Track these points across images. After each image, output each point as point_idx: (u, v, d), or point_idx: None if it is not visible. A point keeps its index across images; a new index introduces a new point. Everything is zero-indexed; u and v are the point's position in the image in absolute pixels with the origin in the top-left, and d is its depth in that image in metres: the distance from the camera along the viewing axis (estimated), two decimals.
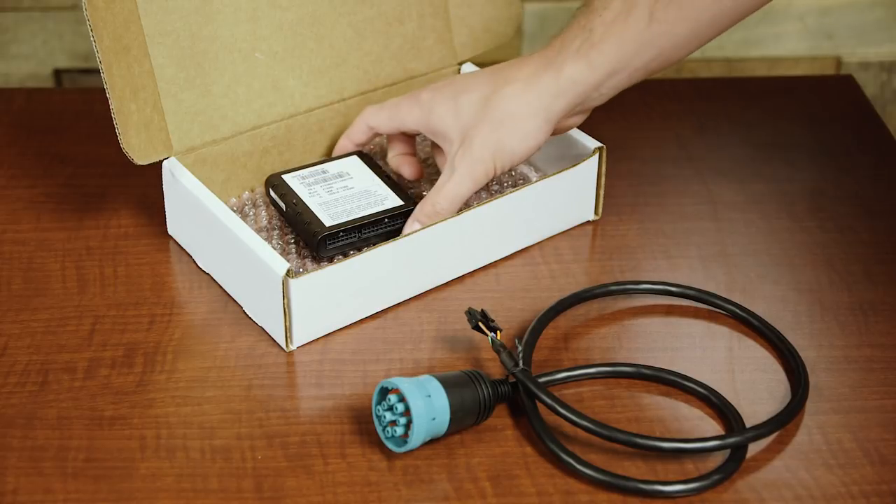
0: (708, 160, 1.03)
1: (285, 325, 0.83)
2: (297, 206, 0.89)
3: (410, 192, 0.94)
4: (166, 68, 0.88)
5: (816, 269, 0.92)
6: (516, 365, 0.79)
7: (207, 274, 0.90)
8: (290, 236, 0.90)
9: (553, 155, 0.96)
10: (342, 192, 0.90)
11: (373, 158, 0.95)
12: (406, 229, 0.88)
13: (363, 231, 0.88)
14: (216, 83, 0.90)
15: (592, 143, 0.94)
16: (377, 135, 0.94)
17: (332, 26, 0.95)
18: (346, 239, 0.88)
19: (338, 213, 0.88)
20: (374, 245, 0.85)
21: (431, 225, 0.86)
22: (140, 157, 0.88)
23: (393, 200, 0.90)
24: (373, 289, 0.86)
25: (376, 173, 0.93)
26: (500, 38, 1.03)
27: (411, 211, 0.89)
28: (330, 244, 0.87)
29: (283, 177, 0.92)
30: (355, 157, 0.94)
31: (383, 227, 0.89)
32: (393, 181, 0.92)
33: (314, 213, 0.88)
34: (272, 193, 0.91)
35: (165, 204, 0.93)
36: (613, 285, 0.88)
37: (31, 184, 0.99)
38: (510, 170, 0.91)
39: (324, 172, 0.92)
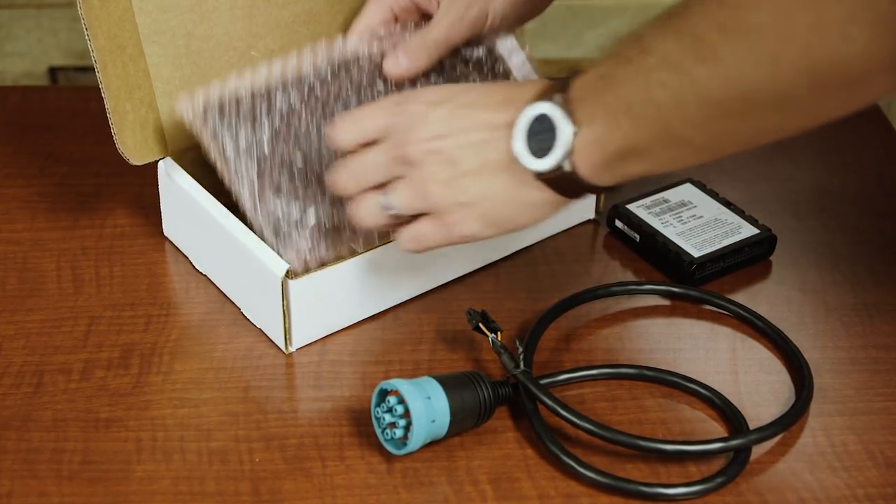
0: None
1: (284, 327, 0.82)
2: (657, 236, 0.90)
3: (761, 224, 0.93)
4: (162, 67, 0.87)
5: (821, 270, 0.91)
6: (517, 366, 0.78)
7: (204, 275, 0.90)
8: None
9: None
10: (693, 221, 0.90)
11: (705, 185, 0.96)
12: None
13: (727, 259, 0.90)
14: (212, 82, 0.90)
15: None
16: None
17: (328, 24, 0.95)
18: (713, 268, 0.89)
19: (700, 244, 0.88)
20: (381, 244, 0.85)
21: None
22: (136, 157, 0.87)
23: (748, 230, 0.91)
24: (372, 289, 0.85)
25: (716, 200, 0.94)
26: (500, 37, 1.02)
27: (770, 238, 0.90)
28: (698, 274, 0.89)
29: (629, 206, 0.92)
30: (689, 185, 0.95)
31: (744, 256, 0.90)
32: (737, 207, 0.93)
33: (676, 243, 0.89)
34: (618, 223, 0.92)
35: (161, 204, 0.92)
36: (615, 285, 0.88)
37: (25, 183, 0.98)
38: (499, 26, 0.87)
39: (666, 202, 0.92)
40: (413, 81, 0.87)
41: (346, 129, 0.79)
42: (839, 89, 0.63)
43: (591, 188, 0.73)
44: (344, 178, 0.79)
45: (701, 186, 0.96)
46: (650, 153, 0.70)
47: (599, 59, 0.71)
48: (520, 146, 0.72)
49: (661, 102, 0.67)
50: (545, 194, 0.73)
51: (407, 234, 0.77)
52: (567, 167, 0.71)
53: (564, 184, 0.72)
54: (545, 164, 0.71)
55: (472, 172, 0.74)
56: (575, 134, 0.70)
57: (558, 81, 0.73)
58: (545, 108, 0.71)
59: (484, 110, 0.74)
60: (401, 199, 0.76)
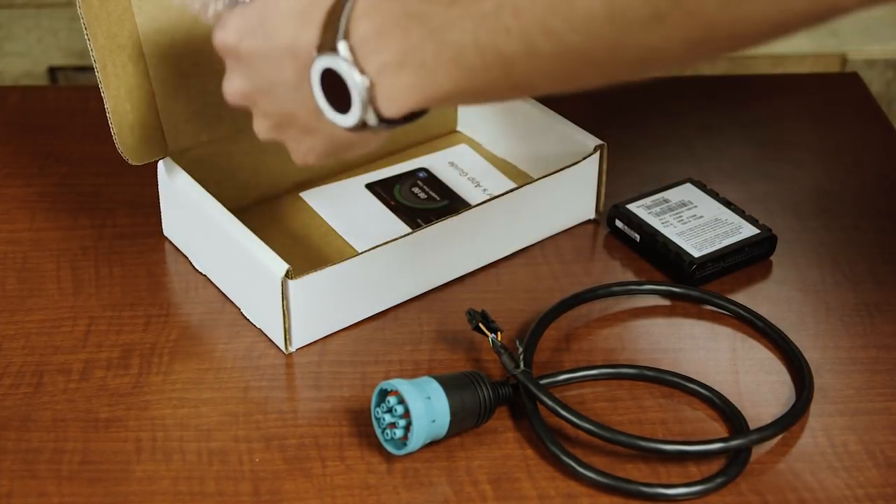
0: (711, 159, 1.02)
1: (284, 327, 0.82)
2: (657, 236, 0.89)
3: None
4: (161, 67, 0.87)
5: (821, 270, 0.91)
6: (517, 366, 0.78)
7: (204, 275, 0.90)
8: None
9: (554, 153, 0.95)
10: (693, 221, 0.90)
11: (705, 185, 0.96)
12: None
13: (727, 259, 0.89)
14: (212, 82, 0.90)
15: (593, 141, 0.93)
16: None
17: None
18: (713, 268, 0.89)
19: (701, 244, 0.88)
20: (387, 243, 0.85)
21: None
22: (135, 157, 0.87)
23: (748, 230, 0.91)
24: (372, 289, 0.85)
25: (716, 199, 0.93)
26: None
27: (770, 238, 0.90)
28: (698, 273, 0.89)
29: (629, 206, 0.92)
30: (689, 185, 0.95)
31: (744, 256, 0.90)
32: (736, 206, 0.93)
33: (676, 243, 0.89)
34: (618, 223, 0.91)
35: (161, 204, 0.92)
36: (615, 285, 0.88)
37: (25, 183, 0.98)
38: None
39: (666, 202, 0.91)
40: None
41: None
42: (723, 44, 0.58)
43: (404, 122, 0.68)
44: None
45: (701, 186, 0.96)
46: (481, 94, 0.65)
47: None
48: (323, 104, 0.68)
49: (505, 52, 0.61)
50: (363, 133, 0.69)
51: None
52: (371, 120, 0.67)
53: (373, 127, 0.68)
54: (347, 120, 0.67)
55: (288, 121, 0.72)
56: (369, 87, 0.65)
57: (337, 10, 0.65)
58: (330, 61, 0.65)
59: (280, 50, 0.69)
60: (257, 132, 0.75)
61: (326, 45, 0.66)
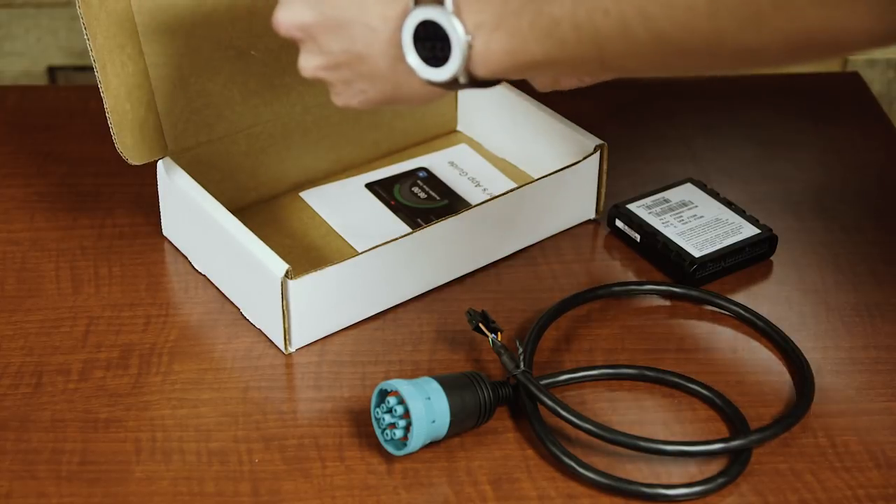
0: (712, 159, 1.02)
1: (284, 327, 0.82)
2: (657, 236, 0.89)
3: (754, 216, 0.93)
4: (161, 67, 0.87)
5: (822, 270, 0.91)
6: (517, 366, 0.78)
7: (203, 275, 0.90)
8: None
9: (554, 153, 0.95)
10: (693, 221, 0.90)
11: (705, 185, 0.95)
12: None
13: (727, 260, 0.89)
14: (212, 81, 0.90)
15: (594, 141, 0.93)
16: None
17: None
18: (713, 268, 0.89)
19: (701, 244, 0.88)
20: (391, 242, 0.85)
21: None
22: (135, 157, 0.87)
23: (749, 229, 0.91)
24: (372, 289, 0.85)
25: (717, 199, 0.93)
26: None
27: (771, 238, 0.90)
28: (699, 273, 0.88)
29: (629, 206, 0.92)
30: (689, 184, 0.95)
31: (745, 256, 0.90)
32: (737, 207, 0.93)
33: (677, 243, 0.89)
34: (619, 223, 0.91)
35: (160, 204, 0.92)
36: (616, 285, 0.88)
37: (24, 183, 0.98)
38: None
39: (666, 201, 0.91)
40: None
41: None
42: (817, 50, 0.60)
43: (487, 85, 0.69)
44: None
45: (702, 186, 0.96)
46: (569, 67, 0.66)
47: None
48: (411, 55, 0.68)
49: (601, 30, 0.62)
50: (432, 89, 0.70)
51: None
52: (463, 78, 0.68)
53: (457, 85, 0.69)
54: (440, 74, 0.68)
55: (347, 63, 0.71)
56: (470, 45, 0.66)
57: None
58: (433, 13, 0.66)
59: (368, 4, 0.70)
60: (301, 68, 0.74)
61: None
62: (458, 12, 0.66)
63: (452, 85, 0.69)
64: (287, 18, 0.72)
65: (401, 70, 0.70)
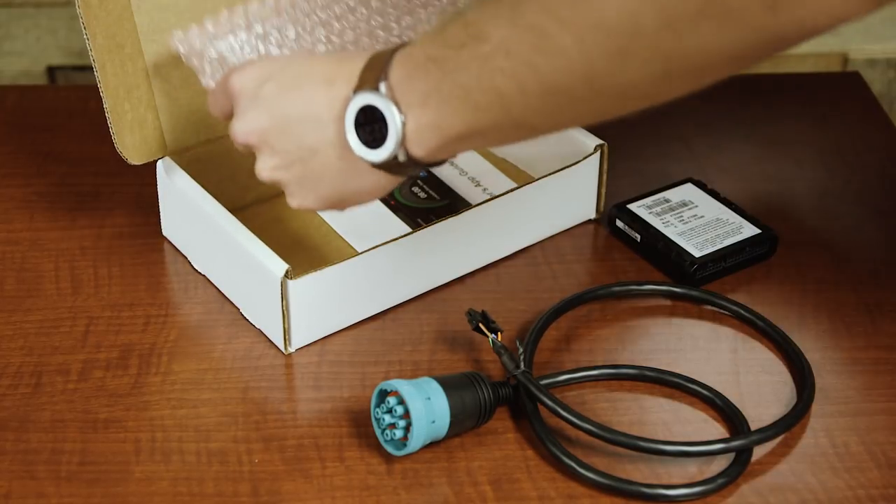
0: (712, 159, 1.02)
1: (284, 327, 0.82)
2: (657, 236, 0.89)
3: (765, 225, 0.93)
4: (160, 66, 0.87)
5: (822, 270, 0.91)
6: (517, 367, 0.78)
7: (203, 275, 0.89)
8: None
9: (554, 153, 0.95)
10: (694, 221, 0.90)
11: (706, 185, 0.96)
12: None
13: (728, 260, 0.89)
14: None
15: (594, 141, 0.93)
16: None
17: None
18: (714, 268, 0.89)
19: (701, 244, 0.88)
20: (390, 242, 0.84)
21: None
22: (134, 156, 0.87)
23: (749, 229, 0.91)
24: (372, 289, 0.85)
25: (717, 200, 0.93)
26: None
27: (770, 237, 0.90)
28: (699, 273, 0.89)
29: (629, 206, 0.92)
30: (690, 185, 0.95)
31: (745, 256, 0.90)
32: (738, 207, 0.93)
33: (676, 243, 0.89)
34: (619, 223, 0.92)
35: (160, 204, 0.92)
36: (616, 286, 0.88)
37: (23, 182, 0.98)
38: None
39: (667, 201, 0.92)
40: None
41: (211, 108, 0.81)
42: (688, 76, 0.64)
43: (426, 166, 0.73)
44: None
45: (702, 186, 0.95)
46: (491, 134, 0.70)
47: (425, 35, 0.70)
48: (353, 139, 0.72)
49: (502, 90, 0.66)
50: (380, 176, 0.73)
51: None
52: (401, 156, 0.71)
53: (399, 167, 0.72)
54: (380, 154, 0.71)
55: (301, 160, 0.74)
56: (404, 123, 0.70)
57: (380, 57, 0.71)
58: (370, 98, 0.70)
59: (309, 90, 0.74)
60: (259, 171, 0.77)
61: (366, 84, 0.70)
62: (391, 95, 0.69)
63: (394, 166, 0.72)
64: (242, 128, 0.76)
65: (349, 159, 0.73)
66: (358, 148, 0.72)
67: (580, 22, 0.63)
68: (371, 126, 0.70)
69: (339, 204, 0.76)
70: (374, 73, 0.70)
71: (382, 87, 0.70)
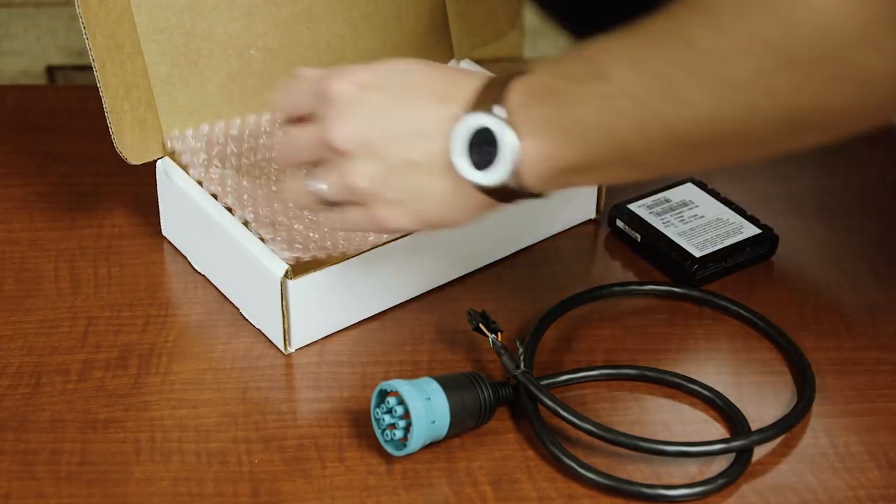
0: None
1: (283, 327, 0.82)
2: (657, 236, 0.90)
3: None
4: (160, 66, 0.87)
5: (823, 270, 0.91)
6: (517, 367, 0.78)
7: (203, 275, 0.89)
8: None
9: None
10: (694, 221, 0.90)
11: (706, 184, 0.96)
12: None
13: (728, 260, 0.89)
14: (211, 81, 0.89)
15: None
16: None
17: (328, 23, 0.94)
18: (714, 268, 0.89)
19: (702, 244, 0.88)
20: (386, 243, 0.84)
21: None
22: (134, 156, 0.87)
23: (750, 229, 0.91)
24: (372, 289, 0.85)
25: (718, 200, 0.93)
26: (500, 33, 1.02)
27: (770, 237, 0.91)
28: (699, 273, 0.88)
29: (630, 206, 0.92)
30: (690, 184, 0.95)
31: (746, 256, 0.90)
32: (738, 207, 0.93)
33: (677, 243, 0.89)
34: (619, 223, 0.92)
35: (160, 204, 0.92)
36: (616, 286, 0.88)
37: (23, 182, 0.98)
38: None
39: (667, 201, 0.92)
40: None
41: (279, 99, 0.77)
42: (816, 131, 0.65)
43: (532, 196, 0.72)
44: (279, 149, 0.77)
45: (702, 186, 0.95)
46: (603, 170, 0.70)
47: (543, 65, 0.69)
48: (461, 160, 0.70)
49: (621, 131, 0.66)
50: (481, 200, 0.72)
51: (335, 217, 0.75)
52: (513, 183, 0.70)
53: (506, 194, 0.71)
54: (489, 178, 0.70)
55: (403, 172, 0.72)
56: (519, 149, 0.69)
57: (497, 82, 0.70)
58: (486, 120, 0.69)
59: (419, 104, 0.72)
60: (327, 186, 0.74)
61: (480, 106, 0.69)
62: (508, 119, 0.69)
63: (501, 192, 0.71)
64: (344, 131, 0.72)
65: (454, 179, 0.71)
66: (465, 169, 0.70)
67: (711, 76, 0.63)
68: (479, 148, 0.69)
69: (434, 224, 0.74)
70: (490, 95, 0.69)
71: (497, 110, 0.69)
